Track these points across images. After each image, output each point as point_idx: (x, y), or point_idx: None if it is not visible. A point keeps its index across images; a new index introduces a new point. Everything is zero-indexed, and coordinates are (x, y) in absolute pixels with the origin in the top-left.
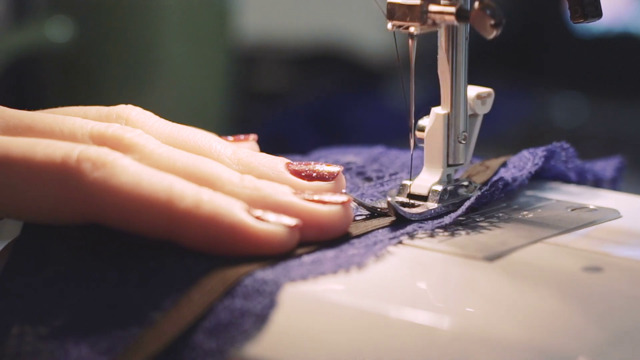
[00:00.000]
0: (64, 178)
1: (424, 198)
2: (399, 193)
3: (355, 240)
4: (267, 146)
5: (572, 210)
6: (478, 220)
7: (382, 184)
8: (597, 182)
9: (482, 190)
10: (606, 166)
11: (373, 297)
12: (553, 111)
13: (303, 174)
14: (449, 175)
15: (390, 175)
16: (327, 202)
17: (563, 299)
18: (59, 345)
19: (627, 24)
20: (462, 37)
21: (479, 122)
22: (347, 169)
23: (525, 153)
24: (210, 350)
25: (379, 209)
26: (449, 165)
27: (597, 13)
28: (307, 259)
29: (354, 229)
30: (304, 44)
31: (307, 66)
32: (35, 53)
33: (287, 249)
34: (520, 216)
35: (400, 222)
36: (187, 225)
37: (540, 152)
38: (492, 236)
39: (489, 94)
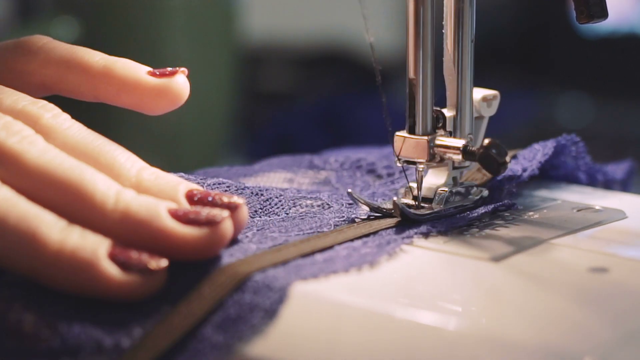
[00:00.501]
0: None
1: (429, 200)
2: (405, 195)
3: (368, 239)
4: (273, 147)
5: (578, 211)
6: (484, 221)
7: (392, 182)
8: (607, 184)
9: (494, 183)
10: (617, 169)
11: (380, 297)
12: (559, 112)
13: (202, 205)
14: (454, 178)
15: (400, 172)
16: (201, 223)
17: (569, 299)
18: (64, 340)
19: (632, 25)
20: (468, 40)
21: (484, 124)
22: (358, 166)
23: (535, 145)
24: (218, 343)
25: (384, 210)
26: (454, 168)
27: (603, 14)
28: (319, 257)
29: (362, 229)
30: (310, 44)
31: (313, 66)
32: None
33: (148, 294)
34: (526, 217)
35: (406, 223)
36: (49, 271)
37: (550, 143)
38: (498, 237)
39: (494, 97)
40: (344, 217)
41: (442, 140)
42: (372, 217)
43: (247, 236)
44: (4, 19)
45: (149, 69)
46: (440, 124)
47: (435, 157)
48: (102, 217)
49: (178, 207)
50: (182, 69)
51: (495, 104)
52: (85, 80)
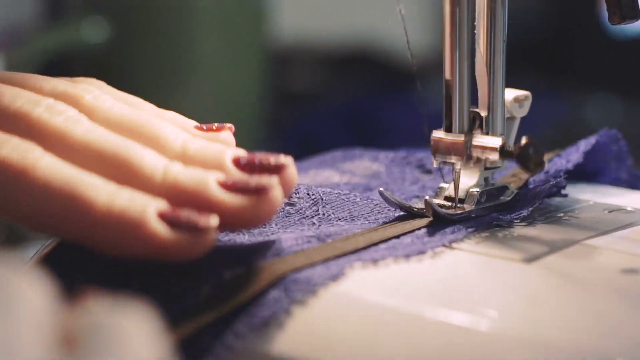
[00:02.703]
0: None
1: (461, 200)
2: (436, 195)
3: (398, 240)
4: (300, 147)
5: (610, 212)
6: (515, 222)
7: (442, 177)
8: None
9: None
10: None
11: (414, 299)
12: (587, 113)
13: (249, 168)
14: (486, 178)
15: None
16: (251, 190)
17: (602, 300)
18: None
19: None
20: (500, 40)
21: (516, 125)
22: (408, 162)
23: (574, 147)
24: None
25: (416, 210)
26: (486, 168)
27: (635, 14)
28: (383, 245)
29: (392, 230)
30: (339, 45)
31: (341, 67)
32: (70, 53)
33: (199, 254)
34: (557, 218)
35: (438, 223)
36: (97, 233)
37: (592, 138)
38: (529, 238)
39: (526, 97)
40: (379, 218)
41: (479, 140)
42: (405, 217)
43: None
44: (33, 19)
45: (196, 123)
46: (477, 124)
47: (472, 157)
48: (150, 189)
49: (226, 177)
50: (229, 125)
51: (527, 105)
52: None
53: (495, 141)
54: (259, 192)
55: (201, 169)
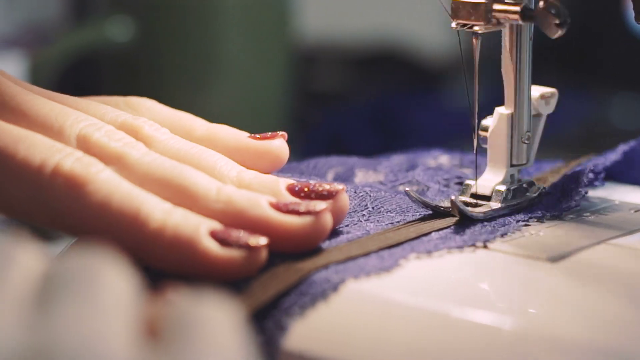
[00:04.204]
0: (37, 185)
1: (487, 198)
2: (462, 193)
3: (426, 238)
4: (325, 146)
5: (636, 211)
6: (540, 221)
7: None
8: None
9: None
10: None
11: (435, 297)
12: (612, 112)
13: (302, 195)
14: (512, 176)
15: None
16: (301, 213)
17: (627, 300)
18: None
19: None
20: (526, 37)
21: (542, 122)
22: (439, 169)
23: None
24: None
25: (442, 208)
26: (512, 166)
27: None
28: (435, 235)
29: (418, 229)
30: (364, 44)
31: (367, 66)
32: (95, 53)
33: (251, 272)
34: (583, 217)
35: (464, 221)
36: (151, 249)
37: (633, 142)
38: (555, 237)
39: (552, 94)
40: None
41: (500, 3)
42: (429, 216)
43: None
44: (59, 19)
45: (248, 134)
46: None
47: (492, 20)
48: (204, 208)
49: (278, 200)
50: (282, 132)
51: (554, 102)
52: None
53: (516, 6)
54: (310, 214)
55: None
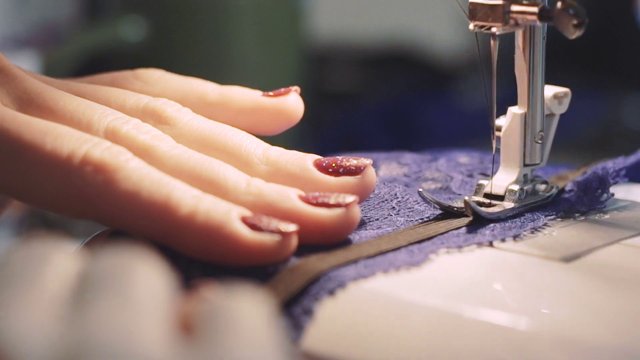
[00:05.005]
0: (66, 175)
1: (500, 198)
2: (476, 193)
3: (437, 239)
4: (338, 146)
5: None
6: (555, 221)
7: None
8: None
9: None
10: None
11: (450, 297)
12: (625, 113)
13: (330, 170)
14: (525, 175)
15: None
16: (331, 206)
17: None
18: None
19: None
20: (539, 37)
21: (555, 122)
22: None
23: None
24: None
25: (455, 209)
26: (525, 165)
27: None
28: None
29: (431, 230)
30: (377, 44)
31: (379, 66)
32: (108, 52)
33: (282, 258)
34: (597, 217)
35: (477, 221)
36: (182, 235)
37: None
38: (569, 237)
39: (565, 94)
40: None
41: (518, 5)
42: (440, 217)
43: None
44: (72, 18)
45: (261, 92)
46: None
47: (510, 22)
48: (235, 201)
49: (306, 194)
50: (295, 87)
51: (567, 102)
52: (202, 107)
53: (534, 7)
54: (340, 207)
55: (283, 183)
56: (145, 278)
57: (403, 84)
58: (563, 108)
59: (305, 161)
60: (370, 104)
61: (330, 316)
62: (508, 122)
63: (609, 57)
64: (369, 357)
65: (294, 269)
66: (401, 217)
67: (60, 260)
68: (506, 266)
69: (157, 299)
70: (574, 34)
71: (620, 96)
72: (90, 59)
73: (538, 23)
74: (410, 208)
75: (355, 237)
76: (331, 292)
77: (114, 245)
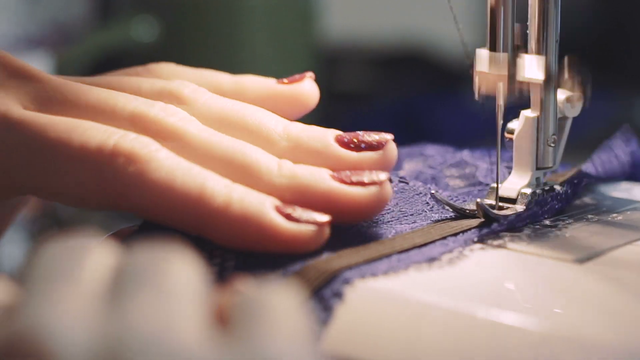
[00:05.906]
0: (97, 168)
1: (512, 201)
2: (487, 195)
3: (448, 240)
4: None
5: None
6: (567, 222)
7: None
8: None
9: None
10: None
11: (462, 298)
12: (636, 113)
13: (352, 145)
14: (537, 179)
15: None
16: (366, 184)
17: None
18: None
19: None
20: (552, 40)
21: (568, 125)
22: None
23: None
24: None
25: (467, 211)
26: (538, 169)
27: None
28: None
29: (442, 230)
30: (388, 44)
31: (391, 67)
32: (120, 53)
33: (315, 246)
34: (608, 219)
35: (489, 224)
36: (217, 224)
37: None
38: (581, 238)
39: (578, 97)
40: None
41: (523, 75)
42: (452, 218)
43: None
44: (84, 19)
45: (275, 80)
46: (522, 42)
47: (515, 92)
48: (268, 184)
49: (339, 173)
50: (309, 73)
51: (579, 105)
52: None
53: (539, 73)
54: (375, 185)
55: (308, 156)
56: (181, 271)
57: (415, 85)
58: (575, 111)
59: (326, 137)
60: (382, 104)
61: (341, 316)
62: (521, 125)
63: (619, 58)
64: (382, 356)
65: (327, 261)
66: (435, 214)
67: (97, 255)
68: (520, 267)
69: (193, 291)
70: (584, 89)
71: (630, 96)
72: (102, 59)
73: (544, 86)
74: (442, 206)
75: (391, 231)
76: (362, 276)
77: (135, 241)
